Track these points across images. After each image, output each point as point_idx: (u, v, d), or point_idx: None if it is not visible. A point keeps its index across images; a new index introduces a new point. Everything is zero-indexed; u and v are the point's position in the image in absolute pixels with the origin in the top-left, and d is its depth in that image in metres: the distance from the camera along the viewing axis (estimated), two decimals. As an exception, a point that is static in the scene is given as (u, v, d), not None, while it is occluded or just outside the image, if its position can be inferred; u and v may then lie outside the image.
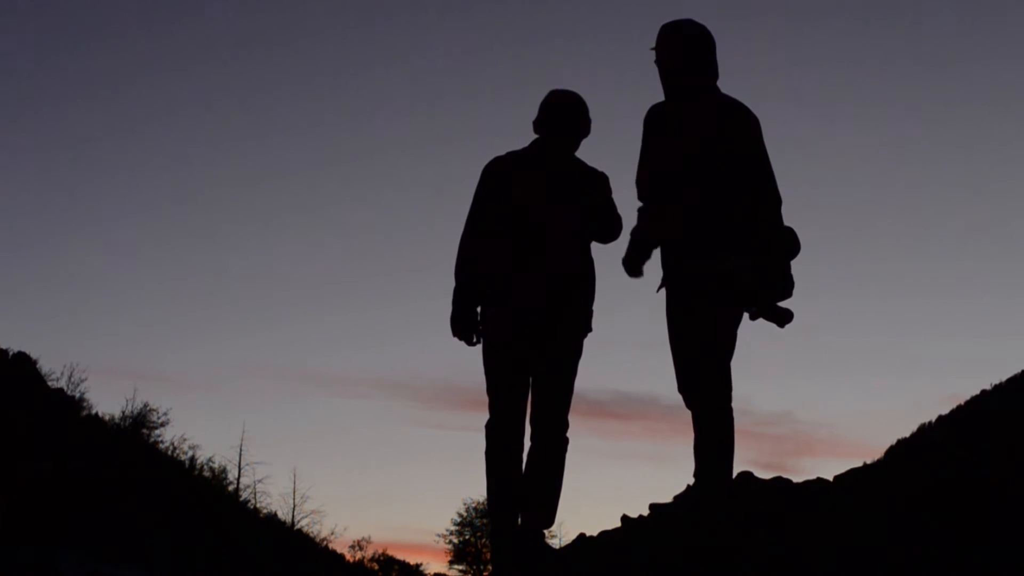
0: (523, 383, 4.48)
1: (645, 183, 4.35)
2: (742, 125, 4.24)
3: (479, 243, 4.54)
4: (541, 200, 4.49)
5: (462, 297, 4.53)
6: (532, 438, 4.50)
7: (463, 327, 4.52)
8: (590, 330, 4.59)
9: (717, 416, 4.11)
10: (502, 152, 4.67)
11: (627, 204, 4.53)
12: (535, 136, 4.63)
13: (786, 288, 4.17)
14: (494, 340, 4.48)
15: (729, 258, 4.11)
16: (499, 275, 4.48)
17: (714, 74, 4.29)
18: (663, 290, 4.31)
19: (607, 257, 4.67)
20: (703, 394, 4.15)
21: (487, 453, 4.49)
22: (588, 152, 4.69)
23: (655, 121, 4.35)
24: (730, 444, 4.12)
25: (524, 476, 4.49)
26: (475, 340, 4.52)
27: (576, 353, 4.54)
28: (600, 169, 4.67)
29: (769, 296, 4.15)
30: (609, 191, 4.63)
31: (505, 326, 4.46)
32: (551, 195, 4.50)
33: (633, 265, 4.37)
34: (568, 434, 4.54)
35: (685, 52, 4.24)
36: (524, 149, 4.64)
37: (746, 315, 4.21)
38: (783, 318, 4.18)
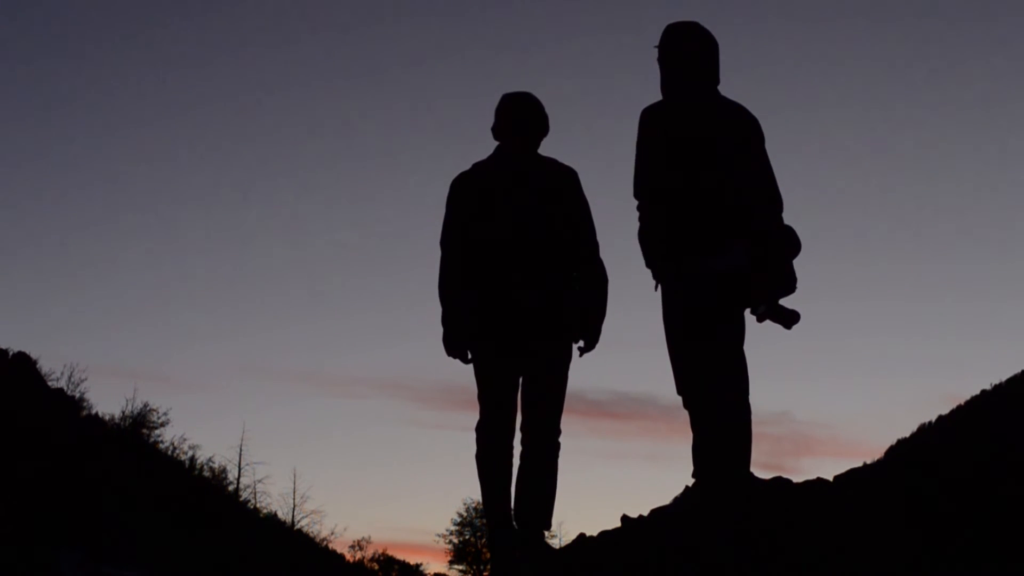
0: (513, 385, 4.48)
1: (646, 184, 4.33)
2: (743, 127, 4.24)
3: (458, 260, 4.55)
4: (512, 204, 4.50)
5: (451, 320, 4.53)
6: (522, 443, 4.50)
7: (456, 348, 4.53)
8: (585, 328, 4.56)
9: (721, 415, 4.11)
10: (481, 158, 4.70)
11: (616, 203, 4.53)
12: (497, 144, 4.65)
13: (788, 285, 4.16)
14: (483, 344, 4.48)
15: (726, 258, 4.11)
16: (481, 283, 4.48)
17: (716, 78, 4.30)
18: (659, 292, 4.30)
19: (607, 258, 4.67)
20: (705, 394, 4.15)
21: (478, 456, 4.50)
22: (588, 155, 4.70)
23: (654, 121, 4.34)
24: (736, 444, 4.11)
25: (517, 480, 4.49)
26: (470, 359, 4.54)
27: (565, 354, 4.53)
28: (599, 171, 4.69)
29: (771, 294, 4.15)
30: (579, 186, 4.63)
31: (495, 329, 4.46)
32: (520, 197, 4.51)
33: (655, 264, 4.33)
34: (561, 439, 4.53)
35: (690, 54, 4.25)
36: (488, 158, 4.65)
37: (753, 318, 4.21)
38: (789, 319, 4.15)
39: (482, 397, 4.49)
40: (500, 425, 4.47)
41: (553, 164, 4.65)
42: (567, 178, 4.62)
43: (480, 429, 4.50)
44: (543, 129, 4.63)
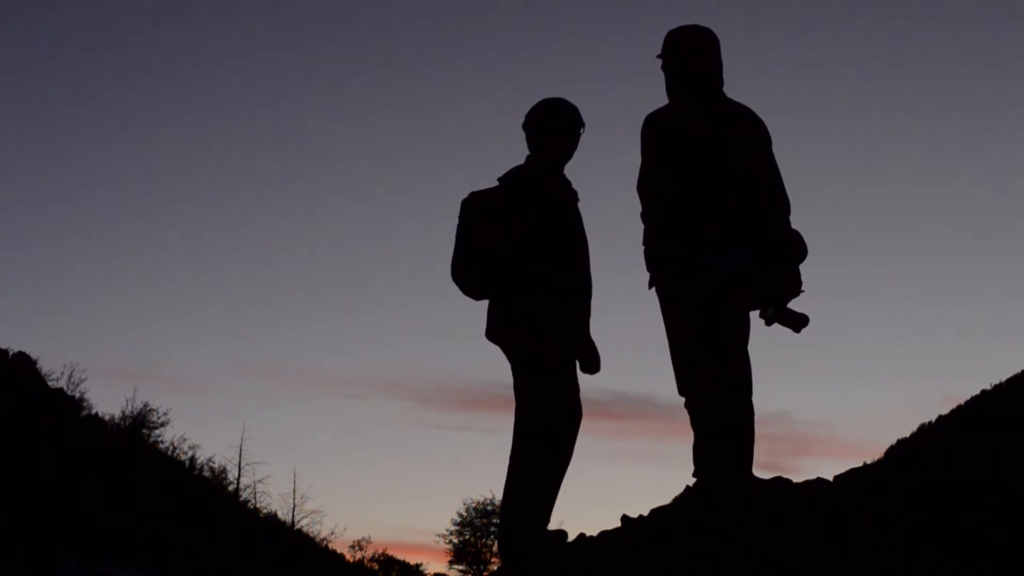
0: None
1: (649, 187, 4.33)
2: (750, 130, 4.24)
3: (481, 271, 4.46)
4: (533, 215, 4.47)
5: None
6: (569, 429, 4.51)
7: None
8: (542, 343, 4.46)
9: (723, 416, 4.11)
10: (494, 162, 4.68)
11: (613, 205, 4.52)
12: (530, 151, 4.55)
13: (794, 289, 4.15)
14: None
15: (729, 259, 4.10)
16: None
17: (720, 80, 4.29)
18: (657, 291, 4.30)
19: (607, 256, 4.67)
20: (707, 395, 4.15)
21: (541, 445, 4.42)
22: (588, 156, 4.68)
23: (658, 128, 4.33)
24: (738, 444, 4.11)
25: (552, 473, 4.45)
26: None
27: (529, 362, 4.44)
28: (598, 172, 4.66)
29: (778, 298, 4.14)
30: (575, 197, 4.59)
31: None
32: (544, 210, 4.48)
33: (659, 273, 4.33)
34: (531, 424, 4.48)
35: (693, 57, 4.24)
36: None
37: (761, 321, 4.20)
38: (798, 323, 4.12)
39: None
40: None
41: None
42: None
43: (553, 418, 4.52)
44: (555, 137, 4.53)
